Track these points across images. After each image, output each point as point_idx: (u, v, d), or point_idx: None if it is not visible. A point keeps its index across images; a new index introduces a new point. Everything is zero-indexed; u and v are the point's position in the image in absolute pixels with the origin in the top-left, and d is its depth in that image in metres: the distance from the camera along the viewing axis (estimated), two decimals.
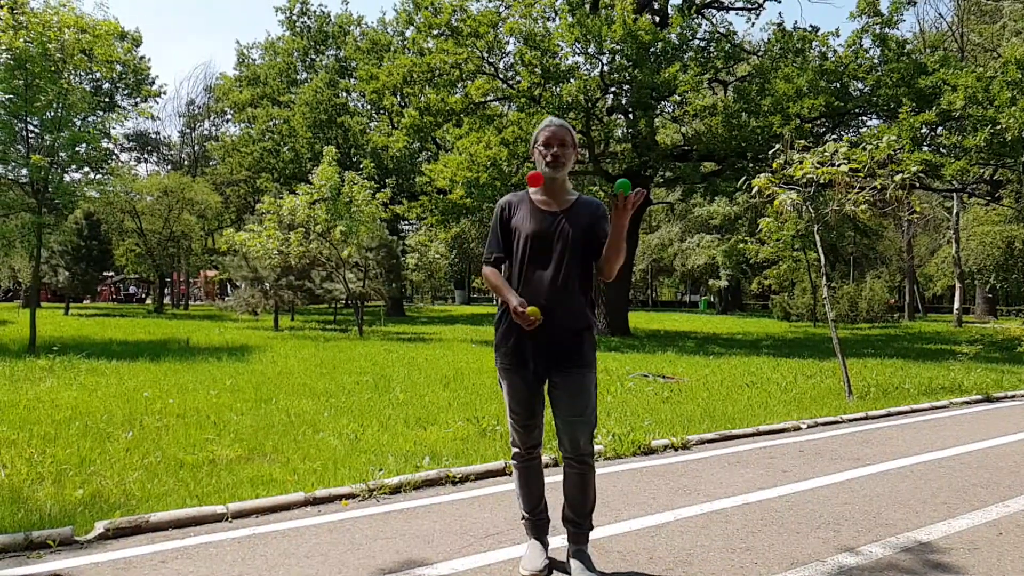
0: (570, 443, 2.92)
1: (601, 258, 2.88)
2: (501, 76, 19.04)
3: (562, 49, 17.55)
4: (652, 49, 16.80)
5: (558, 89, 17.25)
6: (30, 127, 12.38)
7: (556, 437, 2.98)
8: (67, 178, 13.70)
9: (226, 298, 31.04)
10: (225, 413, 6.43)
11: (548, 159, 2.92)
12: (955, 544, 3.40)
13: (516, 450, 3.06)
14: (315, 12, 37.38)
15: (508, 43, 19.22)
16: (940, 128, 16.27)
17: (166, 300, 38.76)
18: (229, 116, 43.16)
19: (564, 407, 2.91)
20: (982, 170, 17.38)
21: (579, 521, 3.02)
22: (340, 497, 4.00)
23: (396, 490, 4.17)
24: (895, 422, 6.76)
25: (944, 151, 15.79)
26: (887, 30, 16.75)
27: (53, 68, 11.83)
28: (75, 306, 33.66)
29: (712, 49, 19.03)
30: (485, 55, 18.75)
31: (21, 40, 11.33)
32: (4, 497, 3.81)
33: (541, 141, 2.97)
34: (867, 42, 16.97)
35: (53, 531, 3.29)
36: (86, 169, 14.36)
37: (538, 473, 3.10)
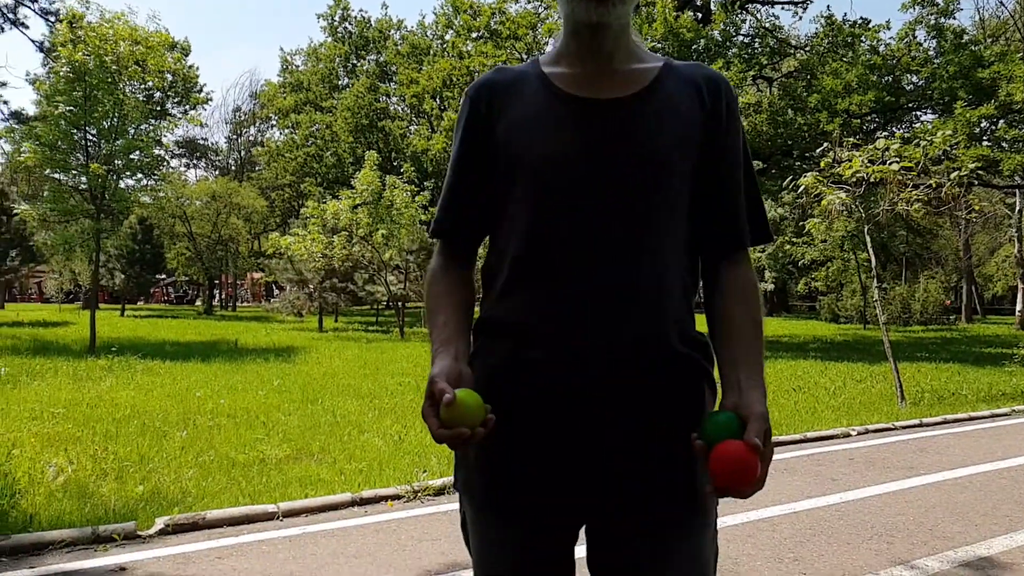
0: None
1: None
2: None
3: None
4: (694, 46, 16.64)
5: None
6: (88, 136, 12.85)
7: None
8: (123, 184, 14.19)
9: (272, 300, 31.69)
10: (273, 413, 6.59)
11: None
12: (1018, 559, 3.28)
13: None
14: (356, 17, 37.97)
15: (547, 44, 19.23)
16: (1000, 122, 15.71)
17: (215, 302, 39.75)
18: (274, 122, 44.14)
19: None
20: None
21: None
22: (386, 498, 4.07)
23: (439, 492, 4.22)
24: (952, 430, 6.55)
25: (1004, 145, 15.24)
26: (943, 20, 16.24)
27: (109, 79, 12.26)
28: (130, 307, 34.79)
29: (757, 45, 18.76)
30: (524, 56, 18.80)
31: (80, 53, 11.78)
32: (72, 492, 3.99)
33: None
34: (921, 34, 16.51)
35: (117, 526, 3.44)
36: (140, 176, 14.84)
37: None
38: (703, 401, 1.15)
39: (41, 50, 15.45)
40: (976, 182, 14.88)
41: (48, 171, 13.62)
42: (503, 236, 1.19)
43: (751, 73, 18.33)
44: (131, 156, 13.19)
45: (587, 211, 1.11)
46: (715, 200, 1.18)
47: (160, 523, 3.51)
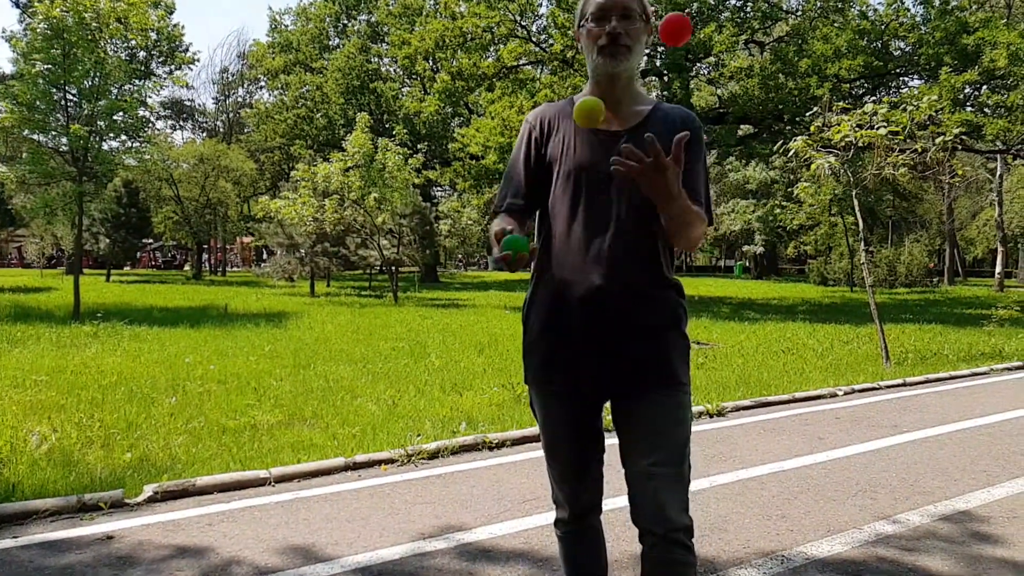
0: (649, 509, 1.73)
1: (664, 220, 1.67)
2: (534, 39, 18.78)
3: None
4: (687, 9, 16.41)
5: None
6: (69, 96, 12.55)
7: (628, 500, 1.78)
8: (106, 146, 13.93)
9: (262, 265, 31.52)
10: (265, 379, 6.58)
11: (602, 41, 1.73)
12: (994, 512, 3.36)
13: (560, 514, 1.97)
14: None
15: (541, 5, 18.96)
16: (984, 88, 15.76)
17: (204, 267, 39.48)
18: (263, 83, 43.36)
19: (638, 450, 1.77)
20: None
21: None
22: (379, 462, 4.09)
23: (434, 455, 4.25)
24: (933, 389, 6.66)
25: (987, 111, 15.30)
26: None
27: (89, 37, 11.93)
28: (116, 272, 34.48)
29: (749, 9, 18.52)
30: (517, 18, 18.51)
31: (57, 9, 11.43)
32: (56, 460, 3.96)
33: (591, 12, 1.76)
34: (909, 0, 16.42)
35: (104, 494, 3.40)
36: (124, 137, 14.57)
37: (594, 545, 2.00)
38: (676, 331, 1.81)
39: (17, 5, 15.05)
40: (960, 147, 14.92)
41: (26, 132, 13.34)
42: (550, 217, 1.83)
43: (743, 37, 18.15)
44: (114, 117, 12.90)
45: (597, 202, 1.77)
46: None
47: (148, 491, 3.49)
